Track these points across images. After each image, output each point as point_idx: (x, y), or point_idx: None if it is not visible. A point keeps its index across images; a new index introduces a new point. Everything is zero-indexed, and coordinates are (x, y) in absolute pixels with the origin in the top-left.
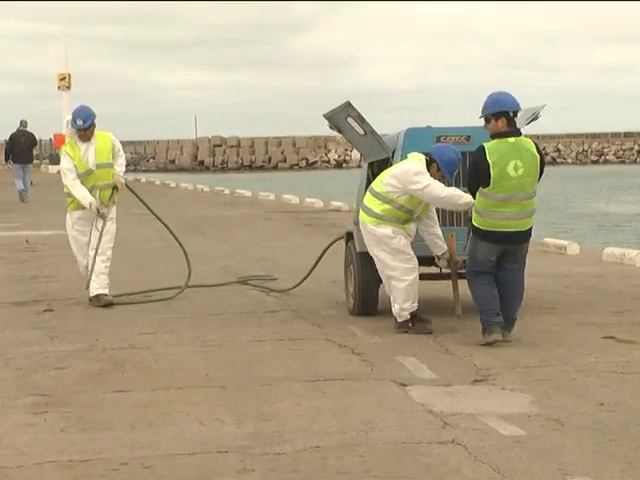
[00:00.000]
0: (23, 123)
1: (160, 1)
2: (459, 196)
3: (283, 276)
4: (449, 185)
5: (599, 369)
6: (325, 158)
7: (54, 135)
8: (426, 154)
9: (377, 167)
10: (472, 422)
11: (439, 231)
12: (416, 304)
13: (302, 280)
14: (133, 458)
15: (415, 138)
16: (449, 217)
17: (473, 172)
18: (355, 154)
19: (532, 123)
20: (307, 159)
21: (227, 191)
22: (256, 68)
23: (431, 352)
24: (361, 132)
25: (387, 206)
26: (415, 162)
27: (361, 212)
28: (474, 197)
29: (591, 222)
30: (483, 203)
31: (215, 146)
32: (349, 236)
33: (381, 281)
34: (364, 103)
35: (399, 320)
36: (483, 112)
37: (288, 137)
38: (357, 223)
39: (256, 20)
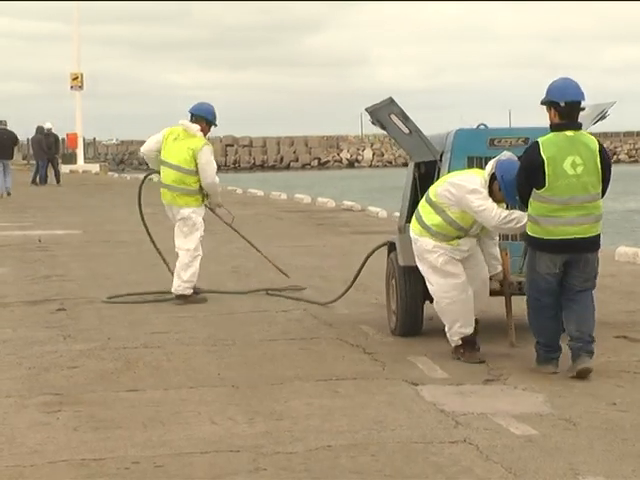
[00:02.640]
0: (3, 122)
1: (173, 1)
2: (516, 221)
3: (295, 276)
4: (510, 207)
5: (612, 369)
6: (337, 157)
7: (67, 135)
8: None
9: (425, 168)
10: (484, 421)
11: (497, 251)
12: (468, 329)
13: (342, 294)
14: (145, 457)
15: (466, 140)
16: None
17: (525, 171)
18: (367, 154)
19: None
20: (319, 158)
21: (239, 190)
22: (268, 68)
23: (443, 352)
24: (405, 131)
25: (438, 219)
26: (474, 177)
27: (413, 218)
28: (526, 203)
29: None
30: (539, 208)
31: (227, 146)
32: (391, 246)
33: (426, 297)
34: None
35: (451, 344)
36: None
37: (300, 136)
38: (402, 231)
39: (268, 20)
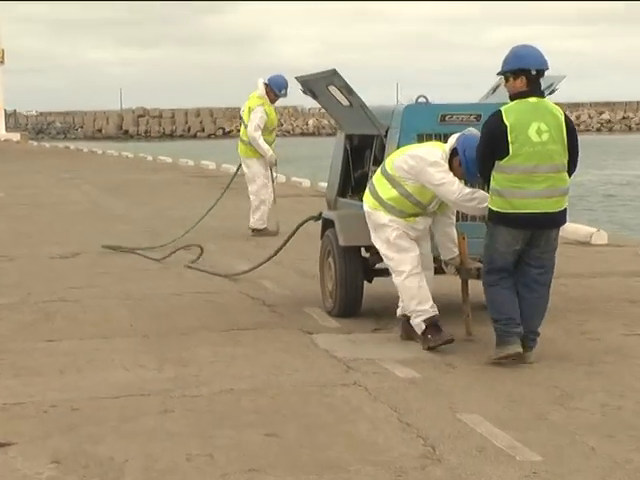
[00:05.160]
0: None
1: None
2: (477, 201)
3: (202, 235)
4: (473, 186)
5: (487, 317)
6: (240, 128)
7: None
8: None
9: (357, 140)
10: (372, 366)
11: (454, 233)
12: (425, 306)
13: (259, 265)
14: (62, 401)
15: (415, 116)
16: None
17: (487, 142)
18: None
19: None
20: (223, 128)
21: (150, 158)
22: (177, 46)
23: None
24: (345, 103)
25: (395, 193)
26: (434, 150)
27: (366, 191)
28: (487, 178)
29: None
30: (503, 180)
31: (139, 117)
32: (326, 223)
33: (367, 279)
34: None
35: (419, 332)
36: (502, 68)
37: (206, 108)
38: (332, 205)
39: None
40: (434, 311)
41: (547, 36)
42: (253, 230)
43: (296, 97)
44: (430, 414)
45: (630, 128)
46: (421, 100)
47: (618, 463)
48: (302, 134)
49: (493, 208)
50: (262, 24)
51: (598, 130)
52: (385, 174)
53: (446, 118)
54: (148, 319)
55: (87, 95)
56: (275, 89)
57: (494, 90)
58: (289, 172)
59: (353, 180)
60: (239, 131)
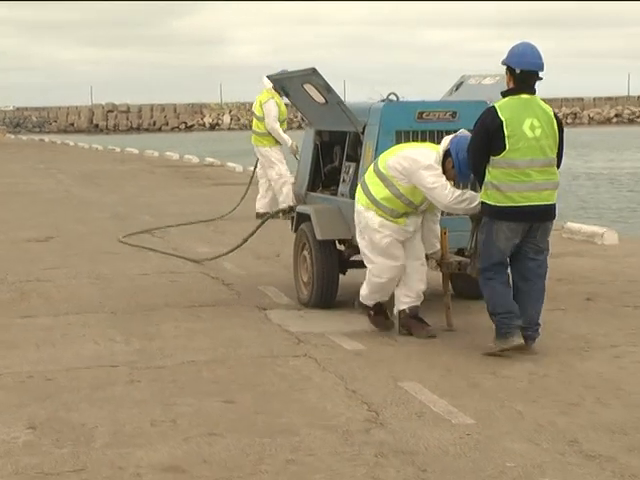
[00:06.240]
0: None
1: None
2: (468, 201)
3: (166, 219)
4: (462, 186)
5: (466, 308)
6: (201, 122)
7: None
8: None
9: (328, 136)
10: (321, 339)
11: (437, 228)
12: (384, 299)
13: (228, 251)
14: (38, 372)
15: (394, 114)
16: None
17: (482, 137)
18: (226, 119)
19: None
20: (186, 122)
21: (118, 149)
22: (143, 46)
23: (287, 282)
24: (321, 100)
25: (387, 192)
26: (429, 152)
27: (358, 188)
28: (479, 174)
29: None
30: (500, 174)
31: (108, 112)
32: (300, 217)
33: (341, 271)
34: (233, 75)
35: (360, 299)
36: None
37: (170, 104)
38: (302, 199)
39: (142, 5)
40: (387, 299)
41: (477, 38)
42: (258, 214)
43: (250, 94)
44: (374, 382)
45: None
46: (392, 97)
47: (543, 426)
48: None
49: (490, 203)
50: (218, 28)
51: None
52: (378, 173)
53: (423, 115)
54: (116, 297)
55: (60, 91)
56: None
57: (457, 87)
58: (246, 163)
59: (323, 175)
60: (201, 125)
